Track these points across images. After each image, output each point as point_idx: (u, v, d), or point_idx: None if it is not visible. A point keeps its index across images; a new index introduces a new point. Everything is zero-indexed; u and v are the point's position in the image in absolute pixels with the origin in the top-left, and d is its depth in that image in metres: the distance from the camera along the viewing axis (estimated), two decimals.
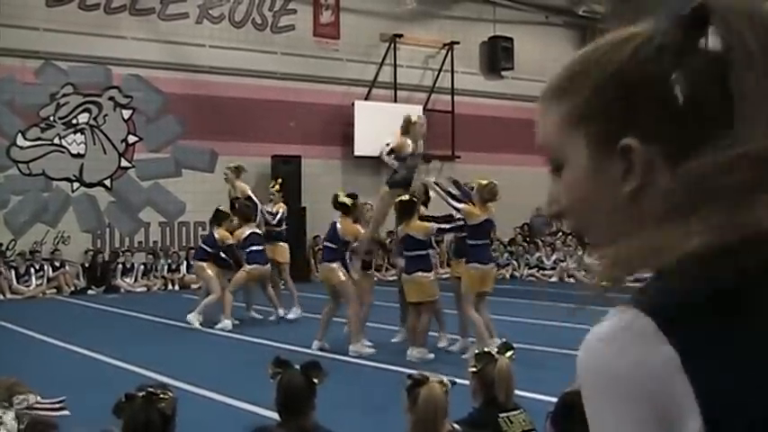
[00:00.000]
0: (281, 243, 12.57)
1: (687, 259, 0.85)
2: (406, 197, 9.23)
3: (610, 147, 0.91)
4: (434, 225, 9.27)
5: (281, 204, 12.73)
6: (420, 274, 8.95)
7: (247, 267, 11.62)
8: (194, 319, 11.43)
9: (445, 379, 3.56)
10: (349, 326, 9.55)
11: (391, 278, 14.88)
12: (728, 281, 0.83)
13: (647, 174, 0.90)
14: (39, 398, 2.62)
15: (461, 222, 9.08)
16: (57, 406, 2.68)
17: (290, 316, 12.12)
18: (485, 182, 8.98)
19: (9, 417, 2.51)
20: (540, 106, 1.00)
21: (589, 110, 0.94)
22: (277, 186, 13.08)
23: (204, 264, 11.94)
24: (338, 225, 9.65)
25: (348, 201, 9.73)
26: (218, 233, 11.96)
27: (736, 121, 0.86)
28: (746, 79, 0.87)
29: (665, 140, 0.90)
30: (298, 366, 3.60)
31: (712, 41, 0.90)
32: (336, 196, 9.91)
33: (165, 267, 17.20)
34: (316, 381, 3.51)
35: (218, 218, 12.23)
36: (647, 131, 0.90)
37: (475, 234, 8.94)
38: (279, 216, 12.53)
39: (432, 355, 8.92)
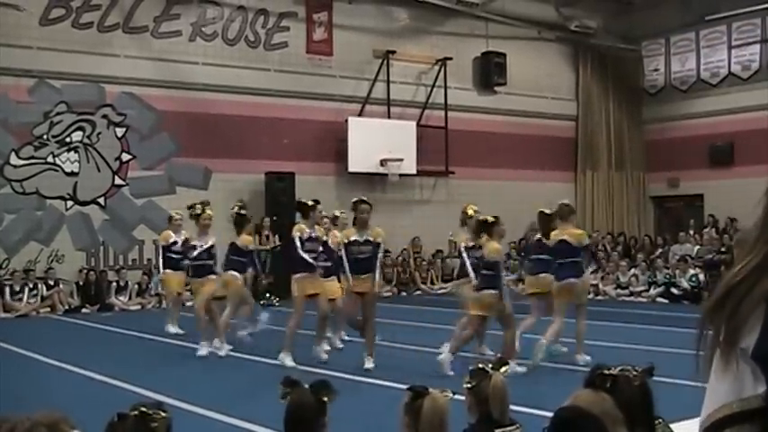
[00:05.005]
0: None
1: None
2: (489, 217, 9.35)
3: None
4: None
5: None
6: (488, 291, 9.22)
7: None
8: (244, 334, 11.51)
9: (447, 390, 3.54)
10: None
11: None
12: None
13: None
14: None
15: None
16: None
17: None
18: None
19: None
20: None
21: None
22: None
23: (235, 273, 11.31)
24: None
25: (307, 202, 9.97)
26: (241, 239, 11.32)
27: None
28: None
29: None
30: (307, 386, 3.54)
31: None
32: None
33: (159, 285, 17.11)
34: (326, 399, 3.45)
35: (240, 223, 11.44)
36: None
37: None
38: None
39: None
